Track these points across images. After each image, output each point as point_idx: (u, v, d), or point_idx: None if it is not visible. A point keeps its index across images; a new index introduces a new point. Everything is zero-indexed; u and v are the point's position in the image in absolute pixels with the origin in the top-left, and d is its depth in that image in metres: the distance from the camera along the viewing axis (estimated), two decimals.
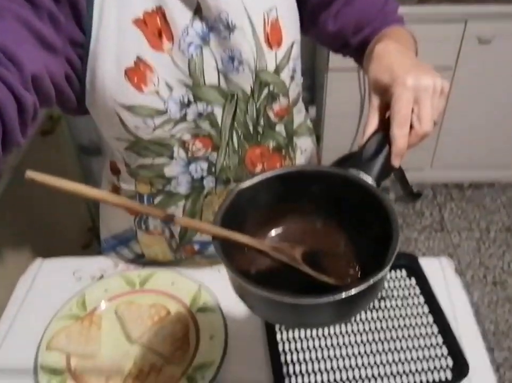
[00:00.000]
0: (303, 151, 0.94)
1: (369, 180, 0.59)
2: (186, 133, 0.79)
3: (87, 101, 0.75)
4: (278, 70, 0.78)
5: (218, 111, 0.78)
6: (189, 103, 0.76)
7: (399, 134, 0.60)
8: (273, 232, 0.64)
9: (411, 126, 0.61)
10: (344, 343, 0.84)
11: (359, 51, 0.87)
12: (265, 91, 0.79)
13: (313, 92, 2.54)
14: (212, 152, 0.82)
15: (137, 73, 0.71)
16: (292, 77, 0.82)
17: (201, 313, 0.90)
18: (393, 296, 0.91)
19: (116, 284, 0.95)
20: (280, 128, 0.86)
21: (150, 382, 0.80)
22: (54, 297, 0.94)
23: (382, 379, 0.79)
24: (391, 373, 0.80)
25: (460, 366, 0.79)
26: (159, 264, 1.01)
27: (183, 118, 0.77)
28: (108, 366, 0.83)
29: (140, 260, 1.03)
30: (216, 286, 0.94)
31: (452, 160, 2.50)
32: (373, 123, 0.64)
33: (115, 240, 1.02)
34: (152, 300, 0.92)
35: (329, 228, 0.63)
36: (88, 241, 1.82)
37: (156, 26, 0.70)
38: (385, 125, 0.63)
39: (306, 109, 0.98)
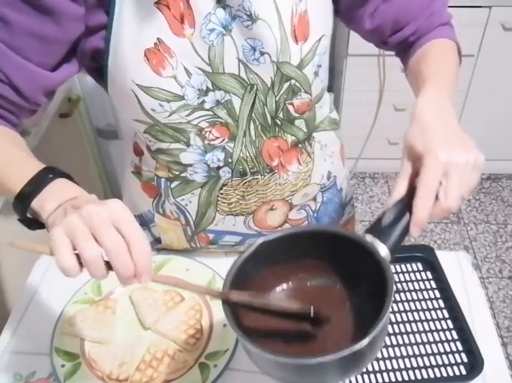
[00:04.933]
0: (322, 146, 0.92)
1: (383, 248, 0.59)
2: (203, 121, 0.79)
3: (108, 79, 0.75)
4: (301, 65, 0.76)
5: (236, 101, 0.78)
6: (207, 90, 0.76)
7: (421, 207, 0.60)
8: (280, 288, 0.67)
9: (437, 198, 0.60)
10: None
11: (399, 49, 0.86)
12: (286, 85, 0.77)
13: (331, 79, 2.51)
14: (229, 142, 0.82)
15: (156, 55, 0.71)
16: (316, 73, 0.80)
17: (215, 301, 0.90)
18: (408, 289, 0.91)
19: None
20: (300, 123, 0.84)
21: (163, 368, 0.81)
22: (70, 281, 0.94)
23: (395, 372, 0.79)
24: (405, 367, 0.80)
25: (475, 362, 0.79)
26: (175, 252, 1.02)
27: (201, 106, 0.77)
28: (121, 351, 0.83)
29: (157, 245, 1.03)
30: None
31: None
32: (400, 190, 0.63)
33: (138, 220, 1.02)
34: (166, 286, 0.92)
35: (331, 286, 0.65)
36: None
37: (178, 11, 0.70)
38: (412, 191, 0.61)
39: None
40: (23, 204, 0.62)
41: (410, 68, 0.81)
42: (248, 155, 0.83)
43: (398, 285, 0.91)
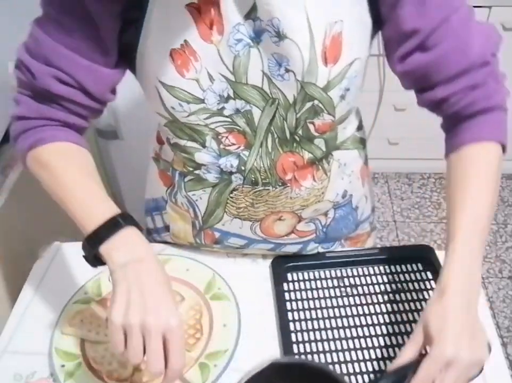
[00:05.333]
0: (341, 165, 0.89)
1: None
2: (220, 126, 0.78)
3: (136, 69, 0.77)
4: (327, 87, 0.73)
5: (256, 112, 0.77)
6: (228, 98, 0.75)
7: None
8: None
9: None
10: (357, 335, 0.84)
11: (437, 114, 0.79)
12: (309, 105, 0.75)
13: None
14: (244, 150, 0.81)
15: (181, 56, 0.72)
16: (342, 97, 0.76)
17: (215, 301, 0.90)
18: (408, 289, 0.91)
19: None
20: (319, 142, 0.82)
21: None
22: (70, 281, 0.95)
23: None
24: None
25: None
26: (178, 246, 1.02)
27: (220, 112, 0.76)
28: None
29: (165, 233, 1.04)
30: (230, 274, 0.94)
31: None
32: (406, 356, 0.66)
33: (154, 204, 1.05)
34: None
35: None
36: None
37: (209, 16, 0.69)
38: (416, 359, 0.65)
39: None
40: (92, 246, 0.69)
41: (447, 177, 0.77)
42: (262, 165, 0.82)
43: (399, 285, 0.92)
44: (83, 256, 0.71)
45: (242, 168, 0.82)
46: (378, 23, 0.74)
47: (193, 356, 0.82)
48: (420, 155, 2.42)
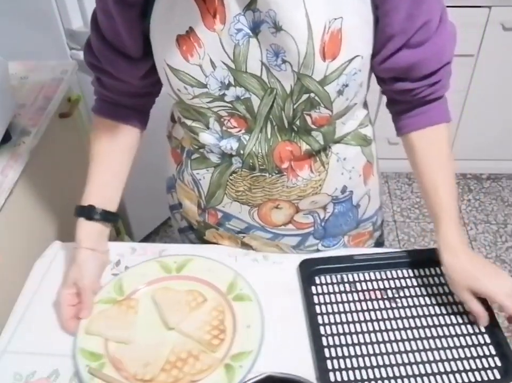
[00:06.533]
0: (340, 159, 0.90)
1: None
2: (222, 110, 0.81)
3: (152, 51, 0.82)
4: (324, 81, 0.75)
5: (255, 100, 0.79)
6: (229, 85, 0.78)
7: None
8: None
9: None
10: (389, 339, 0.83)
11: (392, 94, 0.88)
12: (305, 96, 0.77)
13: None
14: (245, 134, 0.83)
15: (186, 42, 0.75)
16: (340, 92, 0.77)
17: (237, 302, 0.89)
18: (438, 293, 0.90)
19: (153, 270, 0.94)
20: (316, 135, 0.84)
21: (189, 369, 0.80)
22: None
23: (429, 377, 0.78)
24: (439, 372, 0.78)
25: (510, 366, 0.78)
26: (196, 246, 1.03)
27: (221, 97, 0.79)
28: (145, 351, 0.82)
29: (180, 209, 1.07)
30: (252, 275, 0.93)
31: (471, 150, 2.48)
32: (480, 308, 0.86)
33: (170, 182, 1.08)
34: (188, 286, 0.91)
35: None
36: None
37: (212, 5, 0.72)
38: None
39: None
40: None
41: (413, 152, 0.91)
42: (260, 151, 0.84)
43: (428, 288, 0.91)
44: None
45: (241, 151, 0.84)
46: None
47: (218, 356, 0.81)
48: None
